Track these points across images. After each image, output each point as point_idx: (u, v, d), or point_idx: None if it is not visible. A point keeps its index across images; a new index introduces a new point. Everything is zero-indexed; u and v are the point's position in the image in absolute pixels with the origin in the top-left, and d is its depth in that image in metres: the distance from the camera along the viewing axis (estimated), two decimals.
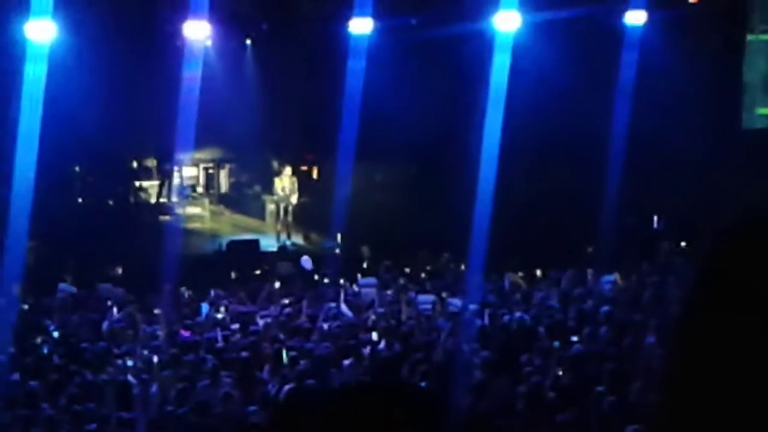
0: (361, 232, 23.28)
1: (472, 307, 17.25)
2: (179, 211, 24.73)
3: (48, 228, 20.80)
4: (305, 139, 26.28)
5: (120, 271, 21.50)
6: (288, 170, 25.54)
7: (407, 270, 21.54)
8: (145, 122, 23.44)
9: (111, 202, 25.31)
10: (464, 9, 23.51)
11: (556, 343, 15.02)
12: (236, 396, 13.28)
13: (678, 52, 23.68)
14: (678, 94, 23.62)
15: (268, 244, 24.59)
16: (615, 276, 19.60)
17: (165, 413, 12.87)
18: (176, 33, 23.11)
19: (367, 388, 2.14)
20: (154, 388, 13.60)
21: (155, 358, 14.75)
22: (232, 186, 27.23)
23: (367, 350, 15.44)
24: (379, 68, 23.20)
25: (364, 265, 22.35)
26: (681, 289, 1.65)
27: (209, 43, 24.17)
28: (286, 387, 13.41)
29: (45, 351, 15.65)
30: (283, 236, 25.14)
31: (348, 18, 23.16)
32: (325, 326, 16.58)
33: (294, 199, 25.31)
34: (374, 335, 16.26)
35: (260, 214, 26.31)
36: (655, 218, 25.20)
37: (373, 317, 17.44)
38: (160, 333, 16.30)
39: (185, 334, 16.55)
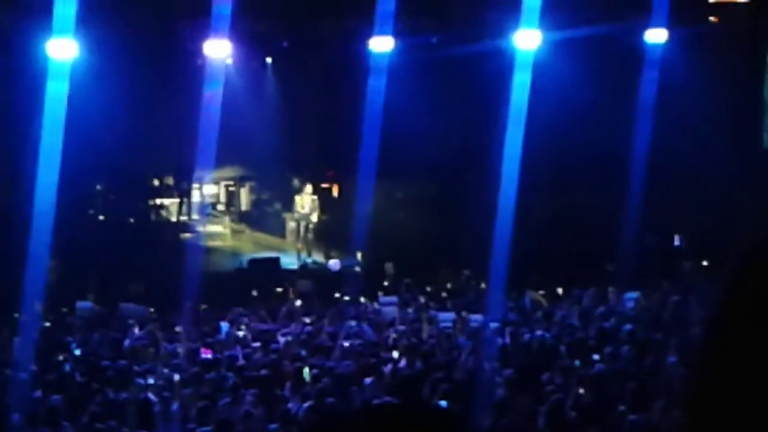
0: (381, 250, 23.28)
1: (493, 325, 17.21)
2: (200, 228, 24.78)
3: (69, 246, 20.84)
4: (326, 157, 26.32)
5: (141, 289, 21.52)
6: (309, 188, 25.60)
7: (428, 288, 21.54)
8: (166, 140, 23.56)
9: (132, 220, 25.40)
10: (485, 27, 23.54)
11: (578, 362, 14.99)
12: (257, 414, 13.25)
13: (698, 70, 23.59)
14: (699, 112, 23.54)
15: (289, 262, 24.61)
16: (638, 294, 19.52)
17: (186, 431, 12.88)
18: (197, 52, 23.18)
19: (387, 409, 2.13)
20: (175, 406, 13.59)
21: (176, 376, 14.77)
22: (253, 204, 27.29)
23: (388, 368, 15.42)
24: (399, 86, 23.19)
25: (385, 283, 22.34)
26: (703, 308, 1.64)
27: (230, 61, 24.25)
28: (305, 405, 13.41)
29: (67, 369, 15.67)
30: (304, 254, 25.16)
31: (368, 36, 23.16)
32: (346, 344, 16.55)
33: (315, 217, 25.34)
34: (395, 353, 16.25)
35: (281, 232, 26.32)
36: (677, 237, 25.12)
37: (394, 335, 17.41)
38: (181, 351, 16.32)
39: (206, 352, 16.55)
